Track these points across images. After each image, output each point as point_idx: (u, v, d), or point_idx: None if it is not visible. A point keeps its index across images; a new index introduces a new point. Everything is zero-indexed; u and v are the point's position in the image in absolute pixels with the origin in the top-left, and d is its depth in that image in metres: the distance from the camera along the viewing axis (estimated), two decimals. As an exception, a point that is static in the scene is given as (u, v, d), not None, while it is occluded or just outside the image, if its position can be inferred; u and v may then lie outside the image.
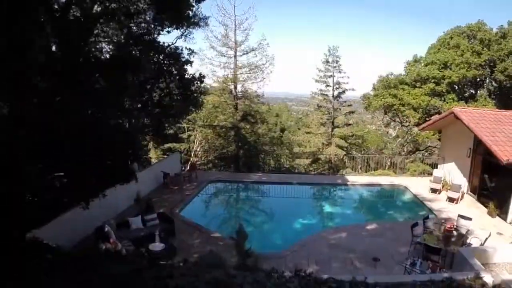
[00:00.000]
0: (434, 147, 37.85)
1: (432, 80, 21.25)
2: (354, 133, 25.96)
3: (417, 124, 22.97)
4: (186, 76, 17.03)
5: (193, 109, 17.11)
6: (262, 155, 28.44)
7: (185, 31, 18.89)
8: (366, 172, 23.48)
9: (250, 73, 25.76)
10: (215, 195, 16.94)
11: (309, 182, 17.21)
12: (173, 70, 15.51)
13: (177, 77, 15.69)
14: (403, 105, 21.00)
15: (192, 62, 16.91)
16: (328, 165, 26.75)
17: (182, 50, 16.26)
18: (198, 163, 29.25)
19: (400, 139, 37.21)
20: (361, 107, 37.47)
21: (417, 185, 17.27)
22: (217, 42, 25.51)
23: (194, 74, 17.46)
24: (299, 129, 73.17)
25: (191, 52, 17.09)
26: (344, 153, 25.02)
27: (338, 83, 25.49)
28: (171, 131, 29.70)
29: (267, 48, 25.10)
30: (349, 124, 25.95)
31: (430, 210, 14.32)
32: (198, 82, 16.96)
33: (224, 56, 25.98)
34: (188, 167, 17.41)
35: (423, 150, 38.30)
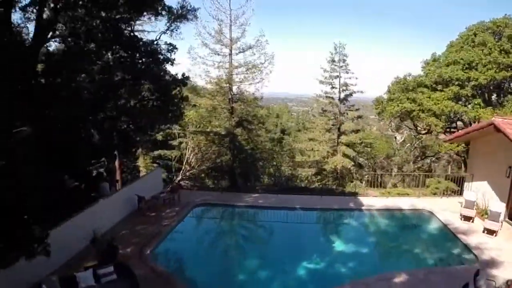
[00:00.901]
0: (445, 153, 34.80)
1: (456, 83, 18.06)
2: (363, 140, 22.77)
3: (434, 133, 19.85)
4: (166, 77, 13.99)
5: (173, 119, 14.17)
6: (260, 163, 25.36)
7: (171, 25, 15.73)
8: (377, 186, 20.36)
9: (247, 73, 22.58)
10: (200, 225, 13.62)
11: (315, 208, 13.95)
12: (149, 69, 12.41)
13: (153, 78, 12.58)
14: (423, 111, 17.79)
15: (174, 60, 13.86)
16: (334, 175, 23.63)
17: (157, 44, 13.17)
18: (190, 172, 26.24)
19: (408, 144, 34.14)
20: (367, 109, 34.37)
21: (443, 209, 14.17)
22: (210, 39, 22.33)
23: (176, 75, 14.37)
24: (299, 130, 70.11)
25: (172, 48, 13.97)
26: (352, 163, 21.87)
27: (346, 84, 22.27)
28: (159, 137, 26.71)
29: (266, 46, 21.89)
30: (357, 131, 22.76)
31: (467, 247, 11.23)
32: (181, 84, 13.92)
33: (218, 54, 22.80)
34: (170, 188, 14.33)
35: (431, 156, 35.25)
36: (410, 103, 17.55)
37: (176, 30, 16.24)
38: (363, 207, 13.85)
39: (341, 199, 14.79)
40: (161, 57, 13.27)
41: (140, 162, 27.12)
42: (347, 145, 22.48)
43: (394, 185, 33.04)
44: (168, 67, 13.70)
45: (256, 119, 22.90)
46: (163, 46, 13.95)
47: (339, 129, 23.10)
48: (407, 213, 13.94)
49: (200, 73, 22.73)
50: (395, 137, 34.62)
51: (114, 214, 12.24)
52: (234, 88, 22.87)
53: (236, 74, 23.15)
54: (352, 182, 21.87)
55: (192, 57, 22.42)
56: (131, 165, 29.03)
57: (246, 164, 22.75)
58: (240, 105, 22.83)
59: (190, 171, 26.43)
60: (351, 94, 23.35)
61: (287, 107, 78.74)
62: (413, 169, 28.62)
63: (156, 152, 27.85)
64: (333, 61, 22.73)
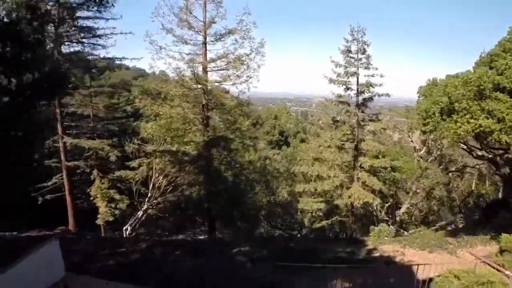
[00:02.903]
0: (473, 167, 27.35)
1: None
2: (391, 163, 15.13)
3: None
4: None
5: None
6: (250, 190, 17.90)
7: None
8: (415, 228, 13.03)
9: (227, 69, 15.09)
10: None
11: None
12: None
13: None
14: (504, 131, 10.05)
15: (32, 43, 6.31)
16: (349, 209, 16.18)
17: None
18: (157, 201, 18.83)
19: (431, 158, 26.61)
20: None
21: None
22: (174, 22, 14.80)
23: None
24: (298, 132, 62.28)
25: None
26: (378, 200, 14.33)
27: (368, 84, 14.68)
28: (113, 158, 19.19)
29: (253, 29, 14.32)
30: (383, 152, 15.00)
31: None
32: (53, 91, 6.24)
33: (187, 43, 15.31)
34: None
35: (455, 171, 27.69)
36: (487, 117, 9.84)
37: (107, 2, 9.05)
38: None
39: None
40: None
41: (94, 189, 19.43)
42: (368, 169, 14.94)
43: (414, 205, 25.80)
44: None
45: (240, 134, 15.36)
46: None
47: (356, 147, 15.58)
48: None
49: (165, 69, 15.44)
50: (415, 148, 27.10)
51: None
52: (211, 90, 15.41)
53: (213, 70, 15.69)
54: (376, 226, 14.41)
55: (155, 48, 14.97)
56: (86, 189, 21.59)
57: (226, 198, 15.28)
58: (217, 113, 15.42)
59: (159, 199, 19.11)
60: (371, 98, 15.77)
61: (286, 108, 71.03)
62: (447, 194, 21.18)
63: (117, 173, 20.22)
64: (349, 51, 15.13)
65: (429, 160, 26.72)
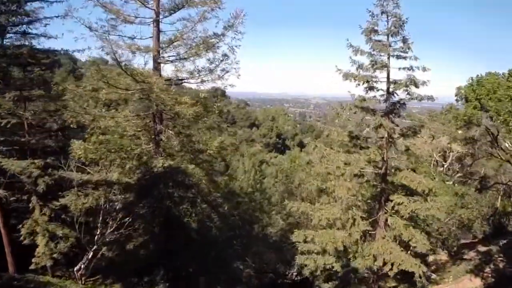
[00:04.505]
0: (506, 183, 21.45)
1: None
2: (436, 208, 8.94)
3: None
4: None
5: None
6: (228, 232, 11.87)
7: None
8: None
9: (188, 58, 9.14)
10: None
11: None
12: None
13: None
14: None
15: None
16: (374, 272, 10.15)
17: None
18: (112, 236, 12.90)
19: (459, 174, 20.67)
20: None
21: None
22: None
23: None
24: (296, 134, 56.10)
25: None
26: (424, 269, 8.33)
27: (412, 82, 8.62)
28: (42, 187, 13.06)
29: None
30: (430, 191, 8.78)
31: None
32: None
33: (131, 22, 9.33)
34: None
35: (485, 188, 21.69)
36: None
37: None
38: None
39: None
40: None
41: (29, 223, 13.11)
42: (408, 218, 8.92)
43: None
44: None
45: (209, 159, 9.33)
46: None
47: (384, 177, 9.55)
48: None
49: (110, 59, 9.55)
50: (437, 162, 21.14)
51: None
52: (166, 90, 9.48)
53: (169, 61, 9.77)
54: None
55: (94, 32, 9.04)
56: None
57: (191, 253, 9.34)
58: (172, 125, 9.50)
59: (111, 234, 13.22)
60: (403, 104, 9.70)
61: (283, 109, 64.84)
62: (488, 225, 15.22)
63: (61, 200, 13.98)
64: (375, 31, 9.10)
65: (453, 176, 20.90)
